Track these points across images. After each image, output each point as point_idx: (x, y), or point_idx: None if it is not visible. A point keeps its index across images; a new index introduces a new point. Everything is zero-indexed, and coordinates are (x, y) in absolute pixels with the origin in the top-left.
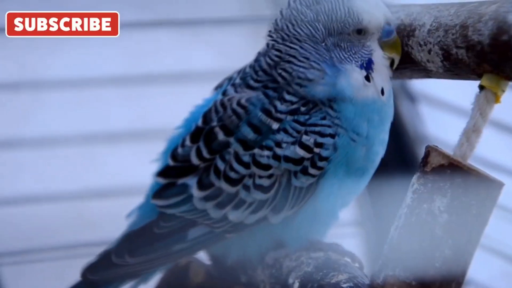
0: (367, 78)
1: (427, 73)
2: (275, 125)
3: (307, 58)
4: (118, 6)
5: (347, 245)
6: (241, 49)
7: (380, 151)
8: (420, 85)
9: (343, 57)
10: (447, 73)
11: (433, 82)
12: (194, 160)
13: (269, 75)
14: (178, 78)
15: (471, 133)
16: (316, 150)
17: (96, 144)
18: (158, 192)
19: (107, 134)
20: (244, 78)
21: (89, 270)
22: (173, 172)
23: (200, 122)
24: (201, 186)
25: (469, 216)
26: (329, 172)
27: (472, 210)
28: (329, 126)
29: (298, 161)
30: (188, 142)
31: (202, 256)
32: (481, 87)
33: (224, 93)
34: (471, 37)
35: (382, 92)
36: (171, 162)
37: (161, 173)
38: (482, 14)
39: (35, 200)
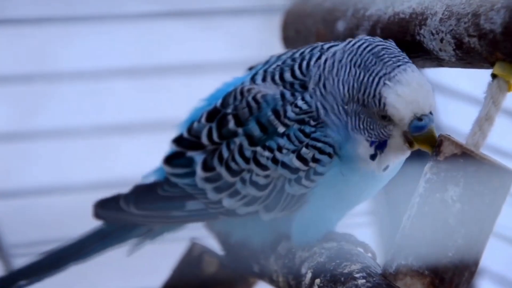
0: (373, 156)
1: (439, 62)
2: (281, 128)
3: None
4: None
5: (360, 234)
6: (254, 39)
7: (373, 194)
8: (432, 74)
9: (357, 127)
10: (460, 62)
11: (446, 71)
12: (204, 139)
13: (303, 78)
14: (191, 68)
15: (483, 122)
16: (312, 165)
17: (108, 135)
18: (169, 158)
19: (120, 125)
20: (282, 68)
21: (100, 205)
22: (185, 142)
23: (219, 103)
24: (205, 167)
25: (482, 205)
26: (322, 186)
27: (485, 199)
28: (330, 145)
29: (293, 170)
30: (203, 120)
31: (215, 246)
32: (494, 76)
33: (253, 78)
34: (483, 25)
35: (386, 168)
36: (185, 133)
37: (176, 140)
38: (494, 2)
39: (47, 191)
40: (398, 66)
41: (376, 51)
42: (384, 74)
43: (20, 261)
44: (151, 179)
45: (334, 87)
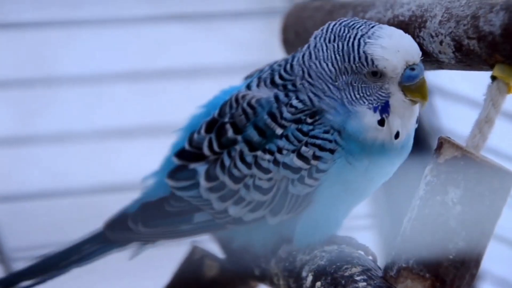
0: (381, 122)
1: (439, 65)
2: (278, 130)
3: (323, 92)
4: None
5: (361, 237)
6: (255, 42)
7: (381, 181)
8: (432, 76)
9: (355, 98)
10: (459, 64)
11: (445, 73)
12: (206, 150)
13: (291, 78)
14: (191, 72)
15: (483, 124)
16: (314, 162)
17: (109, 139)
18: (172, 172)
19: (120, 129)
20: (272, 73)
21: (109, 226)
22: (187, 155)
23: (216, 113)
24: (208, 177)
25: (483, 207)
26: (326, 184)
27: (485, 201)
28: (330, 141)
29: (295, 170)
30: (203, 131)
31: (216, 250)
32: (493, 78)
33: (248, 86)
34: (483, 27)
35: (397, 135)
36: (187, 146)
37: (177, 154)
38: (493, 4)
39: (48, 195)
40: (372, 26)
41: (345, 24)
42: (362, 35)
43: (20, 265)
44: (152, 182)
45: (319, 69)
